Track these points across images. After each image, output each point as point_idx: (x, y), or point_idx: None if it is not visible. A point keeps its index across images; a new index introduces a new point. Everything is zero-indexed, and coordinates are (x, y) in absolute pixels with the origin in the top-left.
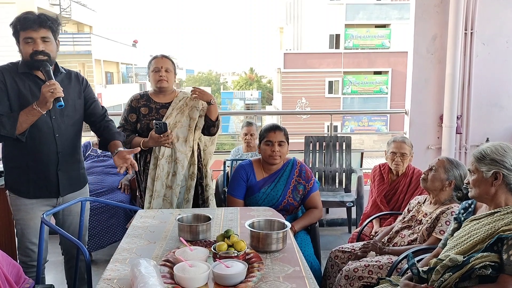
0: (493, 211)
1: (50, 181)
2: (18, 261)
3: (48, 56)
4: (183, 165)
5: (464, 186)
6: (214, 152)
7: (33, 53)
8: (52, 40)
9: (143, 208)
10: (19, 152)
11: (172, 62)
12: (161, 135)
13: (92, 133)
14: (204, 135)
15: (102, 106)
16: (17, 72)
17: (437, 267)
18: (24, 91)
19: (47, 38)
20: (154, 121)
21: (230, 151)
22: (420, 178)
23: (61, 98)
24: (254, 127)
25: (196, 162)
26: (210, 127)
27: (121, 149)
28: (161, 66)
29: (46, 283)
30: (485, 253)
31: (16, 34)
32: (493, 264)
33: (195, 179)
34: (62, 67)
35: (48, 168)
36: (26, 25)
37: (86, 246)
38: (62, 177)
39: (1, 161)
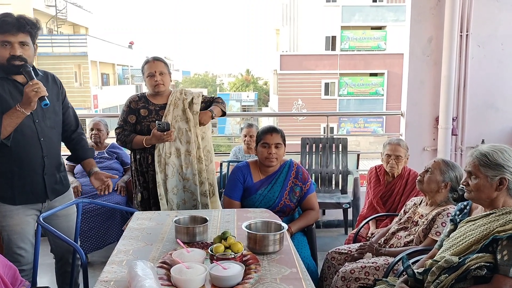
0: (488, 212)
1: (37, 186)
2: None
3: (25, 61)
4: (194, 155)
5: (460, 187)
6: None
7: (10, 57)
8: (30, 45)
9: (140, 208)
10: (3, 158)
11: (165, 63)
12: (164, 133)
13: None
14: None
15: (76, 117)
16: None
17: (432, 269)
18: (4, 95)
19: (25, 43)
20: (156, 121)
21: (226, 153)
22: (416, 180)
23: (45, 97)
24: (255, 129)
25: (201, 146)
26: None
27: (97, 169)
28: (154, 71)
29: (41, 285)
30: (480, 254)
31: None
32: (488, 264)
33: (203, 162)
34: (38, 69)
35: (34, 173)
36: (4, 29)
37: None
38: (48, 181)
39: None
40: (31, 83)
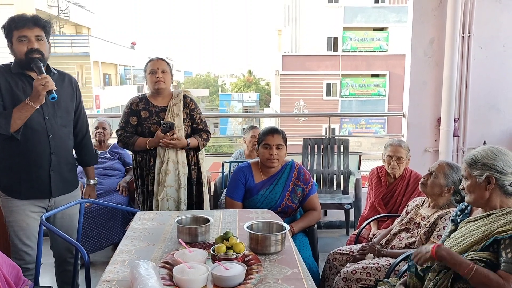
0: (488, 213)
1: (42, 181)
2: None
3: (42, 54)
4: (183, 163)
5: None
6: (212, 154)
7: (28, 51)
8: (45, 40)
9: (142, 210)
10: (12, 152)
11: (168, 64)
12: (167, 134)
13: None
14: None
15: (87, 123)
16: (10, 73)
17: (433, 266)
18: (17, 91)
19: (41, 37)
20: (161, 121)
21: (228, 154)
22: (420, 182)
23: (53, 91)
24: (259, 130)
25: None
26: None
27: (92, 182)
28: (157, 68)
29: (43, 285)
30: (481, 252)
31: (9, 34)
32: (485, 260)
33: (198, 165)
34: (54, 69)
35: (41, 169)
36: (20, 24)
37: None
38: (54, 178)
39: None
40: (39, 77)
